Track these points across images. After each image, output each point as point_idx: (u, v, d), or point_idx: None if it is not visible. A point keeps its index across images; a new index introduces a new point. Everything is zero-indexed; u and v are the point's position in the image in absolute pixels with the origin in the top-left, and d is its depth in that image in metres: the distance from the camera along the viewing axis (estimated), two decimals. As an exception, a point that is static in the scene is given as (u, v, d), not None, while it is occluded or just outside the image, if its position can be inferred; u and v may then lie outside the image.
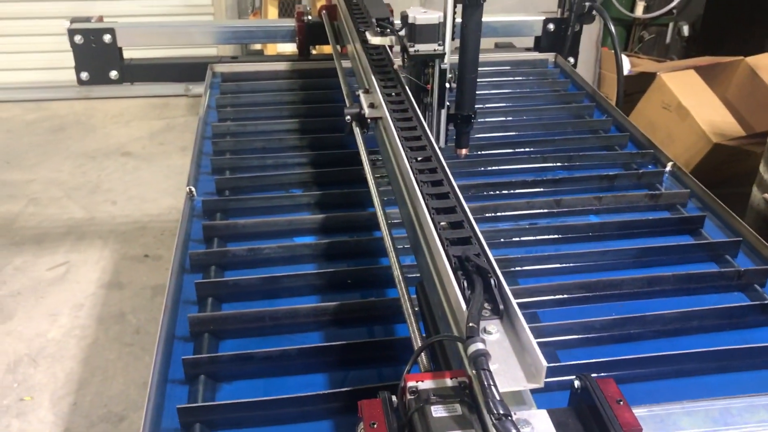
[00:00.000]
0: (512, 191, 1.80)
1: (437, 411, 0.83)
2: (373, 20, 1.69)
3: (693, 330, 1.34)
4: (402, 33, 1.60)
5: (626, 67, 4.48)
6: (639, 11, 5.00)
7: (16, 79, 5.39)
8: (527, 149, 2.02)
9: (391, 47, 1.79)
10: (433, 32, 1.54)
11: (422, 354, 1.01)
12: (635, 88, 4.28)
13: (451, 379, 0.88)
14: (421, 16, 1.54)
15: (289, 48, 2.69)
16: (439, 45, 1.57)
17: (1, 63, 5.37)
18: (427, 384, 0.87)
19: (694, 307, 1.35)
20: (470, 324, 0.85)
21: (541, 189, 1.81)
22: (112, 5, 5.07)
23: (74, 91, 5.34)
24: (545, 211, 1.72)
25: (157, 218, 3.86)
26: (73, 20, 2.47)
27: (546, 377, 1.18)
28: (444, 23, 1.55)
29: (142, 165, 4.50)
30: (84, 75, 2.52)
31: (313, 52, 2.68)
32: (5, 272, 3.45)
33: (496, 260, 1.48)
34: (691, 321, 1.34)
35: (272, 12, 4.38)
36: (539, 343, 1.27)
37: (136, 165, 4.50)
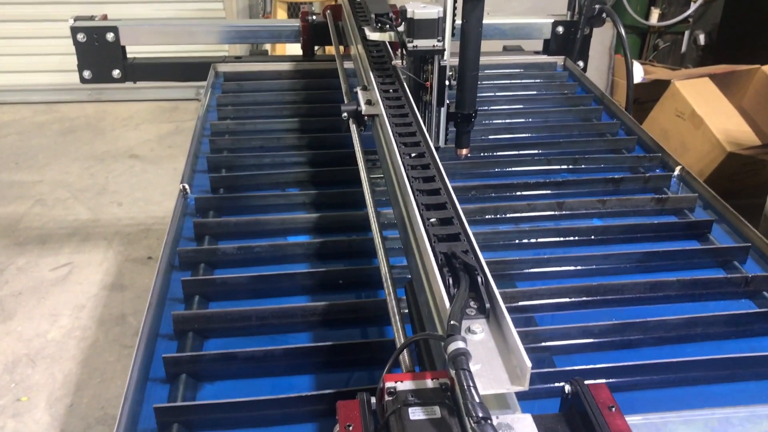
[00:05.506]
0: (514, 193, 1.75)
1: (415, 413, 0.78)
2: (372, 16, 1.65)
3: (697, 337, 1.28)
4: (401, 28, 1.56)
5: (640, 74, 4.40)
6: (654, 19, 4.93)
7: (26, 81, 5.39)
8: (531, 151, 1.97)
9: (393, 44, 1.75)
10: (432, 27, 1.50)
11: (407, 356, 0.96)
12: (649, 96, 4.20)
13: (432, 380, 0.83)
14: (420, 10, 1.49)
15: (299, 49, 2.64)
16: (439, 41, 1.52)
17: (11, 65, 5.38)
18: (406, 385, 0.82)
19: (699, 313, 1.30)
20: (452, 322, 0.80)
21: (544, 191, 1.76)
22: (123, 8, 5.07)
23: (85, 93, 5.35)
24: (547, 213, 1.66)
25: (162, 220, 3.84)
26: (77, 18, 2.45)
27: (542, 383, 1.14)
28: (443, 18, 1.51)
29: (149, 168, 4.49)
30: (86, 73, 2.50)
31: (321, 53, 2.65)
32: (8, 272, 3.43)
33: (494, 262, 1.45)
34: (695, 328, 1.28)
35: (281, 15, 4.36)
36: (536, 348, 1.24)
37: (143, 167, 4.49)
